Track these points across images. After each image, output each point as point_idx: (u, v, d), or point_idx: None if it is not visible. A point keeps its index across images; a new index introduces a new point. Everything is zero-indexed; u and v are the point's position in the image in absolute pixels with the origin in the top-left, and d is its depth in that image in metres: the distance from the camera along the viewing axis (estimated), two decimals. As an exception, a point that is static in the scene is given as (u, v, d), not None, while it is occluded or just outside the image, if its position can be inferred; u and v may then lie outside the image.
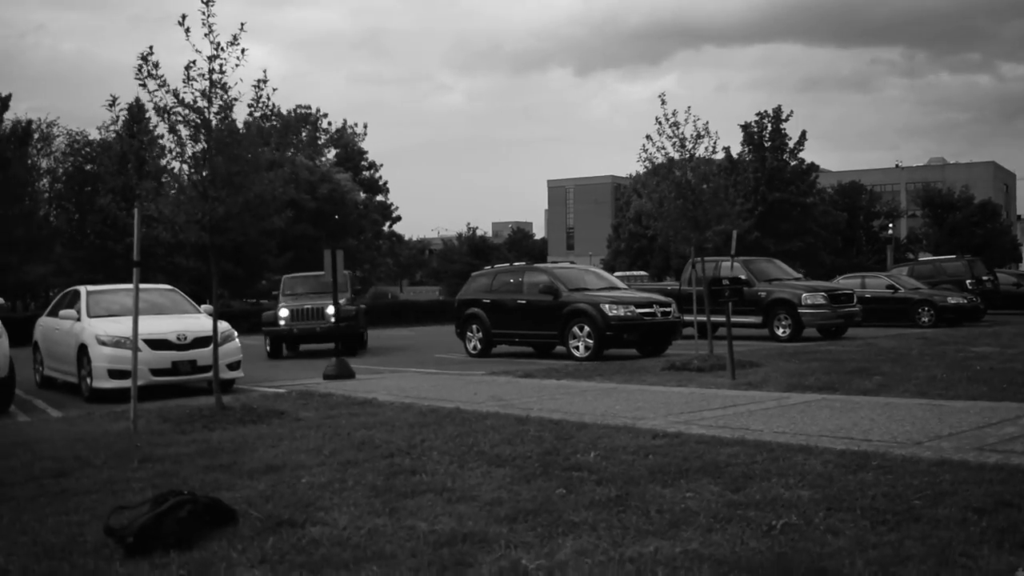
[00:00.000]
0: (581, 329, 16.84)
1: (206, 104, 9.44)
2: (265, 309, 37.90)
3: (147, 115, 38.44)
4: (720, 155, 14.17)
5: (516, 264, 20.73)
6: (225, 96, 9.51)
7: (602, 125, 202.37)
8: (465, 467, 6.42)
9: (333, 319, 16.85)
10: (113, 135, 42.29)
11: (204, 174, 9.51)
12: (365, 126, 66.28)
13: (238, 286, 46.15)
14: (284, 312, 20.74)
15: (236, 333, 13.90)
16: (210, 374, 11.11)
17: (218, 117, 9.57)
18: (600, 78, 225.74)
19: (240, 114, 9.80)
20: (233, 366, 13.37)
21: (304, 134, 61.88)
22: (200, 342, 12.89)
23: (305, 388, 12.60)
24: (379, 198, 64.52)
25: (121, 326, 12.64)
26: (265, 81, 9.79)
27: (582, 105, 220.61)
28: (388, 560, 4.41)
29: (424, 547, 4.56)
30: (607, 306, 16.74)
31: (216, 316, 10.15)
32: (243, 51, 9.52)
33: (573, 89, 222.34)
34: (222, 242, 9.94)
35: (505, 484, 5.84)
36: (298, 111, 62.07)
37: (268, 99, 9.83)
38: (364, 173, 63.41)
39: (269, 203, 9.73)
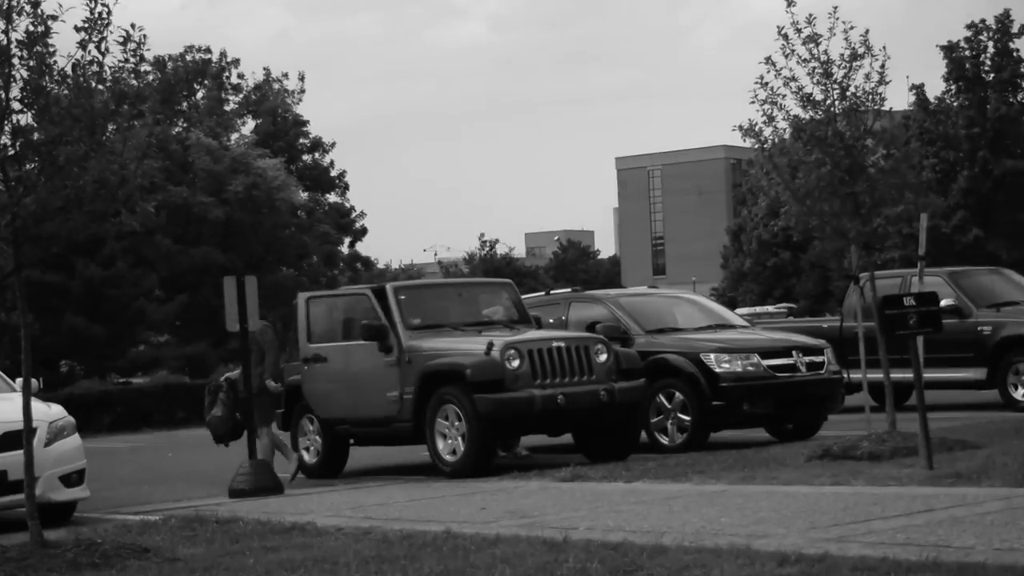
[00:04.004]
0: (670, 398, 16.64)
1: (2, 25, 9.48)
2: (143, 393, 38.21)
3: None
4: (891, 85, 14.10)
5: (556, 293, 20.63)
6: (35, 12, 9.55)
7: (710, 65, 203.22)
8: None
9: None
10: None
11: (3, 144, 9.54)
12: (301, 79, 66.06)
13: (97, 354, 46.28)
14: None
15: (75, 423, 13.85)
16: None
17: (25, 49, 9.61)
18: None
19: (66, 47, 9.84)
20: (71, 479, 13.29)
21: (201, 94, 62.52)
22: (14, 440, 12.72)
23: (195, 512, 12.55)
24: (331, 198, 65.04)
25: None
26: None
27: (676, 35, 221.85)
28: None
29: None
30: (714, 356, 16.55)
31: (28, 389, 10.08)
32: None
33: (662, 9, 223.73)
34: (40, 262, 9.98)
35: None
36: (189, 57, 62.70)
37: (131, 26, 9.91)
38: (304, 158, 63.95)
39: (115, 189, 9.70)
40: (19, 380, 14.23)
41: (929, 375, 15.70)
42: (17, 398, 13.80)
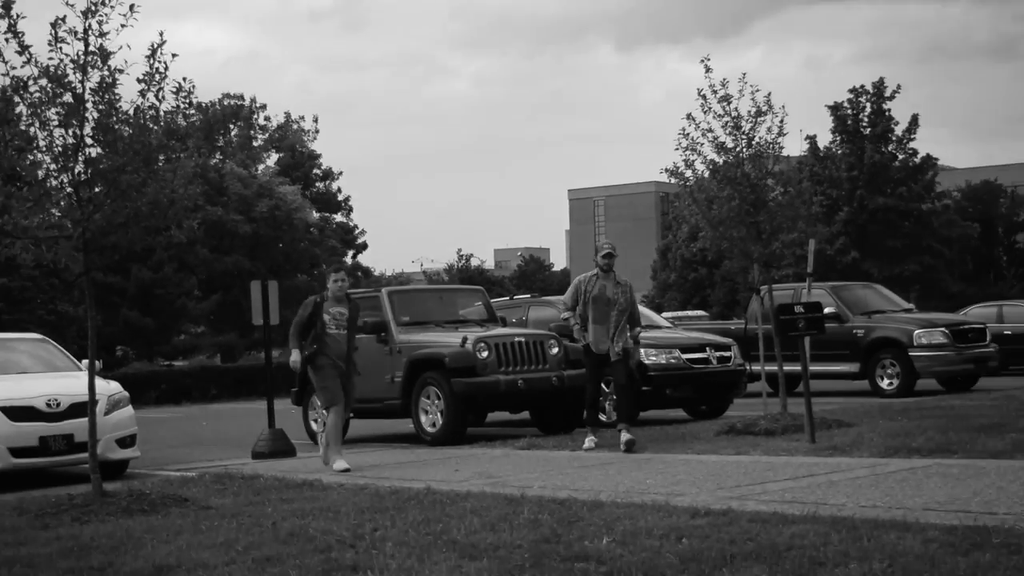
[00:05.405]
0: (607, 384, 16.69)
1: (79, 77, 9.51)
2: (183, 373, 38.17)
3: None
4: (787, 136, 14.31)
5: (518, 298, 20.69)
6: (106, 66, 9.59)
7: (647, 118, 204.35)
8: (427, 561, 6.38)
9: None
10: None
11: (77, 171, 9.56)
12: (316, 121, 66.28)
13: (147, 342, 46.23)
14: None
15: (128, 396, 13.87)
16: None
17: (96, 95, 9.65)
18: (653, 55, 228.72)
19: (129, 93, 9.91)
20: (125, 442, 13.31)
21: (234, 133, 62.33)
22: (80, 410, 12.75)
23: (224, 470, 12.59)
24: (338, 218, 64.93)
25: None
26: (163, 45, 9.88)
27: (622, 94, 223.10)
28: None
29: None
30: (643, 351, 16.62)
31: (93, 369, 10.09)
32: (132, 7, 9.62)
33: (612, 73, 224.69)
34: (103, 266, 10.03)
35: (480, 581, 5.78)
36: (226, 102, 62.58)
37: (182, 79, 10.05)
38: (317, 185, 63.85)
39: (165, 209, 9.75)
40: (85, 361, 14.27)
41: (814, 368, 15.85)
42: (83, 376, 13.83)
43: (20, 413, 12.64)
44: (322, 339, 12.38)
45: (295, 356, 12.38)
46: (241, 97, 63.74)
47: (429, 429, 14.99)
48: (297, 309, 12.96)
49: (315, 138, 64.94)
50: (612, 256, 13.43)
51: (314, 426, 17.02)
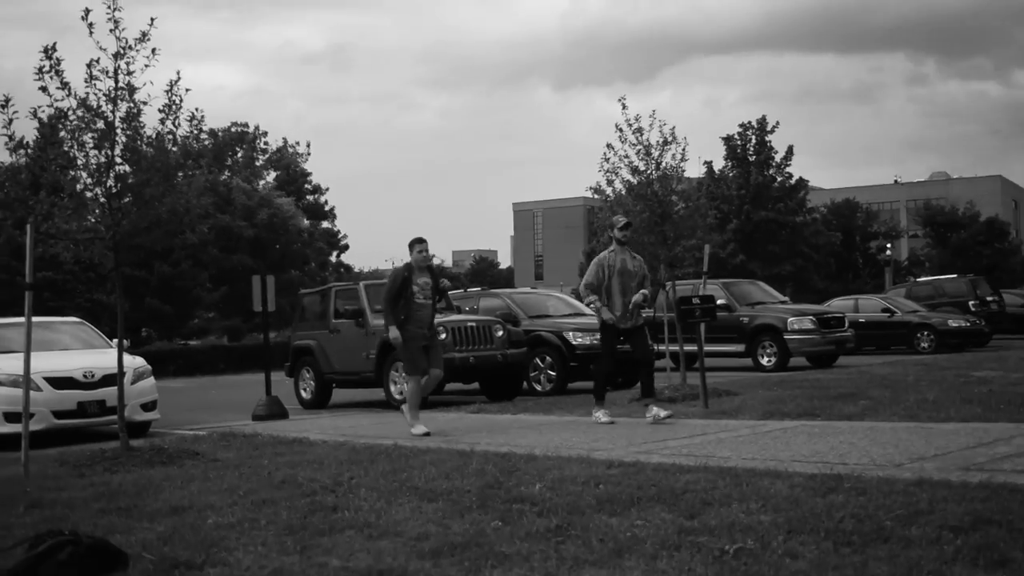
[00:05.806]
0: (543, 360, 16.80)
1: (111, 107, 9.41)
2: (197, 350, 38.02)
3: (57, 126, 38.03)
4: (688, 162, 14.45)
5: (471, 290, 20.72)
6: (132, 99, 9.50)
7: (576, 146, 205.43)
8: (393, 503, 6.37)
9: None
10: (23, 158, 41.90)
11: (108, 185, 9.46)
12: (308, 145, 66.08)
13: (167, 325, 45.74)
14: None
15: (151, 369, 13.77)
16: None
17: (125, 123, 9.56)
18: (583, 95, 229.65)
19: (151, 121, 9.84)
20: (147, 407, 13.24)
21: (240, 154, 61.73)
22: (111, 380, 12.67)
23: (229, 429, 12.52)
24: (325, 224, 64.36)
25: (21, 363, 12.41)
26: (178, 81, 9.80)
27: (558, 126, 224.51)
28: (291, 599, 4.33)
29: (334, 585, 4.48)
30: (571, 334, 16.73)
31: (121, 347, 10.01)
32: (153, 51, 9.54)
33: (550, 108, 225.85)
34: (130, 262, 9.94)
35: (435, 519, 5.80)
36: (233, 129, 61.93)
37: (195, 109, 9.98)
38: (308, 197, 63.20)
39: (182, 216, 9.69)
40: (115, 340, 14.10)
41: (708, 348, 16.00)
42: (114, 352, 13.68)
43: (61, 382, 12.59)
44: (410, 309, 10.90)
45: (395, 333, 10.79)
46: (246, 125, 63.06)
47: (397, 396, 14.98)
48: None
49: (307, 159, 64.34)
50: (631, 224, 11.69)
51: (304, 394, 16.99)
